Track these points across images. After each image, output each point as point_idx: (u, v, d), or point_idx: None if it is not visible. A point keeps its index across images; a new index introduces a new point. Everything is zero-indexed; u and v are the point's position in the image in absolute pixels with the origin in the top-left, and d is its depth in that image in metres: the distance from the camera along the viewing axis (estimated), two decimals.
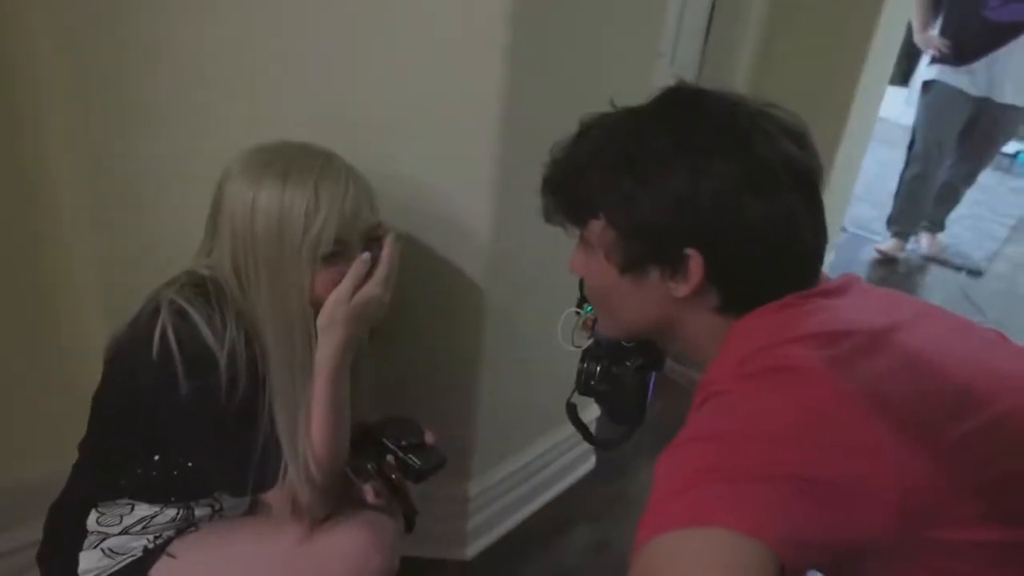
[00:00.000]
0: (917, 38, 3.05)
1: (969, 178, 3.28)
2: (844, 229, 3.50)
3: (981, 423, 0.56)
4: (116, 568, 0.91)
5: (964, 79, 2.93)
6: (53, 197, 1.07)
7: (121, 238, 1.11)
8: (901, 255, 3.37)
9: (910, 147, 3.22)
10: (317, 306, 0.86)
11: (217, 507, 0.97)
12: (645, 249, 0.68)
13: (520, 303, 1.24)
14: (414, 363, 1.23)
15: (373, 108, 1.05)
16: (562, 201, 0.74)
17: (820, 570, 0.61)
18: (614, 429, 0.97)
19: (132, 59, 1.00)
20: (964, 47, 2.87)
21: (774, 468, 0.52)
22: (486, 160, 1.07)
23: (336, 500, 0.93)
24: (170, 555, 0.92)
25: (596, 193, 0.69)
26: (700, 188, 0.63)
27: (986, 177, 3.70)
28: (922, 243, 3.46)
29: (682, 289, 0.67)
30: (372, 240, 0.89)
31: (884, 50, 2.54)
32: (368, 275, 0.87)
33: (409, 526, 1.00)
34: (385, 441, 0.97)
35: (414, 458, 0.96)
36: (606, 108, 0.72)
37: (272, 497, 0.89)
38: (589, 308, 0.88)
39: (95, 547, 0.92)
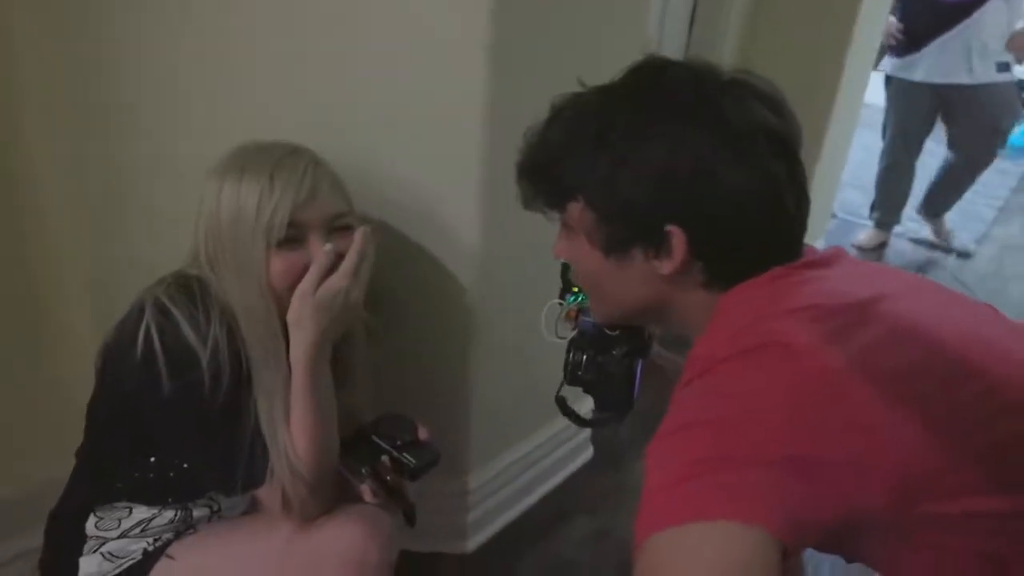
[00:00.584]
0: None
1: (969, 166, 3.17)
2: (833, 215, 3.51)
3: (975, 392, 0.56)
4: (116, 572, 0.91)
5: (917, 71, 2.93)
6: (36, 198, 1.07)
7: (107, 239, 1.11)
8: (877, 243, 3.32)
9: (883, 138, 3.24)
10: (282, 298, 0.85)
11: (215, 508, 0.97)
12: (626, 229, 0.67)
13: (512, 296, 1.24)
14: (407, 358, 1.23)
15: (358, 108, 1.05)
16: (539, 186, 0.73)
17: (819, 548, 0.60)
18: (605, 414, 0.97)
19: (114, 61, 1.00)
20: (916, 31, 2.88)
21: (767, 452, 0.52)
22: (473, 158, 1.07)
23: (331, 500, 0.92)
24: (169, 557, 0.92)
25: (571, 175, 0.68)
26: (676, 161, 0.62)
27: None
28: (927, 231, 3.42)
29: (666, 267, 0.66)
30: (337, 231, 0.88)
31: (868, 34, 2.55)
32: (335, 268, 0.86)
33: (410, 521, 0.99)
34: (379, 441, 0.96)
35: (408, 456, 0.95)
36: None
37: (264, 494, 0.89)
38: (571, 299, 0.88)
39: (95, 552, 0.92)
